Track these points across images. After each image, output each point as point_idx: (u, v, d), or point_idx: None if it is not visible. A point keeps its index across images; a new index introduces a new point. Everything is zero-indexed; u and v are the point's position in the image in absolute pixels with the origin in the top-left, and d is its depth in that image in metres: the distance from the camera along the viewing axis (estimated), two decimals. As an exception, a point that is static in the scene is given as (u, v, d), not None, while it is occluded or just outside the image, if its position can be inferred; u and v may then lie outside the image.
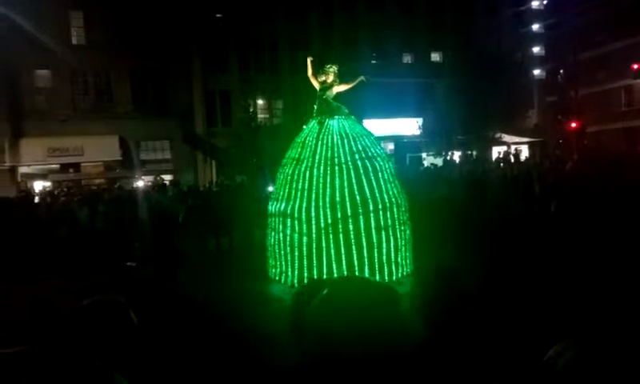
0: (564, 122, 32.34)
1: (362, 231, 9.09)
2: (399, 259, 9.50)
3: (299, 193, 9.27)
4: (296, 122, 31.74)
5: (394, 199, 9.51)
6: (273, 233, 9.71)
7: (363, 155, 9.46)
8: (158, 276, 9.25)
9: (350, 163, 9.28)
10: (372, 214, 9.17)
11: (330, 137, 9.53)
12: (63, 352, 1.69)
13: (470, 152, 31.27)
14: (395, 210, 9.49)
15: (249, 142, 27.82)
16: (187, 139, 29.44)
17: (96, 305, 1.99)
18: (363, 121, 31.80)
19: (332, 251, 9.01)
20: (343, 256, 9.01)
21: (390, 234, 9.37)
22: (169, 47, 28.88)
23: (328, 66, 10.20)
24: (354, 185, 9.17)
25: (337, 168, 9.22)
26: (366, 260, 9.10)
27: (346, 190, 9.13)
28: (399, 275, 9.49)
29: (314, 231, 9.05)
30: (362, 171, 9.29)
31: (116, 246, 15.13)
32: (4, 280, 10.30)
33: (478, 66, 29.68)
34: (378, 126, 32.37)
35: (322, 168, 9.23)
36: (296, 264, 9.22)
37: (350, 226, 9.04)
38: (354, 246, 9.05)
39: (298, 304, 2.06)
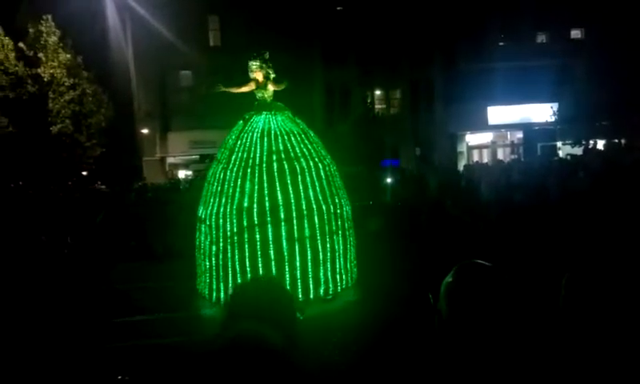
0: None
1: (271, 242, 7.75)
2: (320, 275, 7.94)
3: (212, 197, 8.21)
4: (413, 111, 29.77)
5: (315, 206, 7.94)
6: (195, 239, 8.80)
7: (283, 156, 8.01)
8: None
9: (264, 165, 7.94)
10: (283, 223, 7.77)
11: (249, 135, 8.28)
12: None
13: (617, 140, 26.19)
14: (317, 219, 7.92)
15: (366, 134, 26.78)
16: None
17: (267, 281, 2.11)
18: (487, 108, 28.85)
19: (237, 264, 7.84)
20: (248, 269, 7.78)
21: (308, 246, 7.85)
22: (292, 44, 28.87)
23: (250, 62, 8.79)
24: (265, 189, 7.82)
25: (249, 170, 7.95)
26: (273, 274, 7.75)
27: (256, 195, 7.84)
28: (320, 293, 7.93)
29: (221, 240, 7.96)
30: (276, 174, 7.89)
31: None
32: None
33: (629, 41, 24.59)
34: (505, 114, 28.95)
35: (234, 170, 8.04)
36: (207, 274, 8.22)
37: (257, 236, 7.76)
38: (259, 259, 7.75)
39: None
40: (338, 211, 8.23)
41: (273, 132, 8.22)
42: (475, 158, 28.98)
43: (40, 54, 26.51)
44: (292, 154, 8.08)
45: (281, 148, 8.08)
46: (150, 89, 29.46)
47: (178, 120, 29.53)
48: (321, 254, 7.92)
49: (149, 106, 29.65)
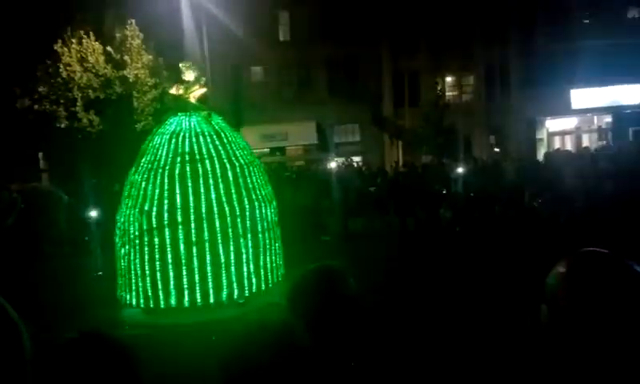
0: None
1: (168, 246, 7.59)
2: (223, 279, 7.62)
3: (123, 200, 8.23)
4: (487, 98, 27.67)
5: (216, 209, 7.64)
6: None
7: (187, 158, 7.79)
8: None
9: (167, 168, 7.78)
10: (180, 227, 7.56)
11: (160, 138, 8.15)
12: None
13: None
14: (218, 221, 7.61)
15: (436, 122, 25.56)
16: (375, 121, 28.52)
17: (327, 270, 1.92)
18: (571, 91, 25.94)
19: (138, 267, 7.77)
20: (147, 273, 7.68)
21: (207, 249, 7.57)
22: (360, 34, 28.24)
23: (181, 64, 8.66)
24: (165, 192, 7.66)
25: (152, 173, 7.84)
26: (171, 278, 7.58)
27: (156, 198, 7.71)
28: (223, 297, 7.61)
29: (126, 243, 7.95)
30: (177, 177, 7.69)
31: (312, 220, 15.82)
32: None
33: None
34: (591, 97, 26.10)
35: (141, 173, 7.97)
36: (119, 276, 8.24)
37: (156, 240, 7.63)
38: (157, 262, 7.62)
39: None
40: (247, 213, 7.84)
41: (182, 134, 8.02)
42: (557, 145, 26.39)
43: (126, 57, 28.35)
44: (197, 156, 7.83)
45: (187, 150, 7.87)
46: (223, 85, 30.41)
47: (250, 114, 30.17)
48: (222, 257, 7.61)
49: (222, 101, 30.66)
